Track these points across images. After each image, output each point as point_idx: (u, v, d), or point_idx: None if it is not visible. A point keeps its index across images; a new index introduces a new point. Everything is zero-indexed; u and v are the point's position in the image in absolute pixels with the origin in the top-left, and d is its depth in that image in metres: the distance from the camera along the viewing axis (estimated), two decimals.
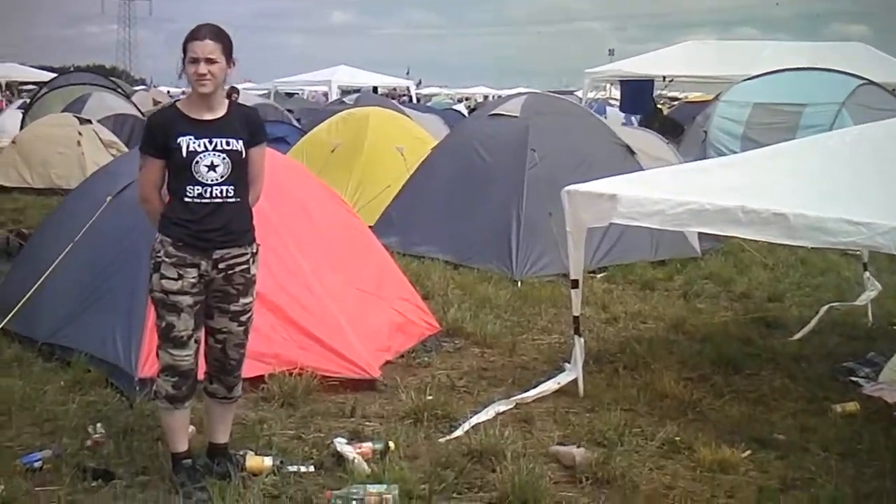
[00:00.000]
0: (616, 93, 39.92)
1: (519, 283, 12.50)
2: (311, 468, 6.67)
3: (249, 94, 34.27)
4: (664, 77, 33.23)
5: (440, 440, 7.29)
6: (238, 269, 6.19)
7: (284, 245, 8.73)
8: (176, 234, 6.04)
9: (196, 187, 6.00)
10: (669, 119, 31.12)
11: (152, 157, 6.11)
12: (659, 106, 35.13)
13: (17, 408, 7.65)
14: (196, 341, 6.18)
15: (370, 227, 12.65)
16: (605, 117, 22.87)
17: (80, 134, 21.22)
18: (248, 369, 7.39)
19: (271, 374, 8.13)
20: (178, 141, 5.97)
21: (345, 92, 46.24)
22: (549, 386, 8.35)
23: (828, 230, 6.76)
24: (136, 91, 38.82)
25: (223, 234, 6.10)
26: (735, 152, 19.03)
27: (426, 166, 15.46)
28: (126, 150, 19.64)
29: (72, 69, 53.31)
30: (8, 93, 52.68)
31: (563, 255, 8.93)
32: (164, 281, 6.05)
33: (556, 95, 19.60)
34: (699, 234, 13.42)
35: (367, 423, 7.61)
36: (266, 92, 48.61)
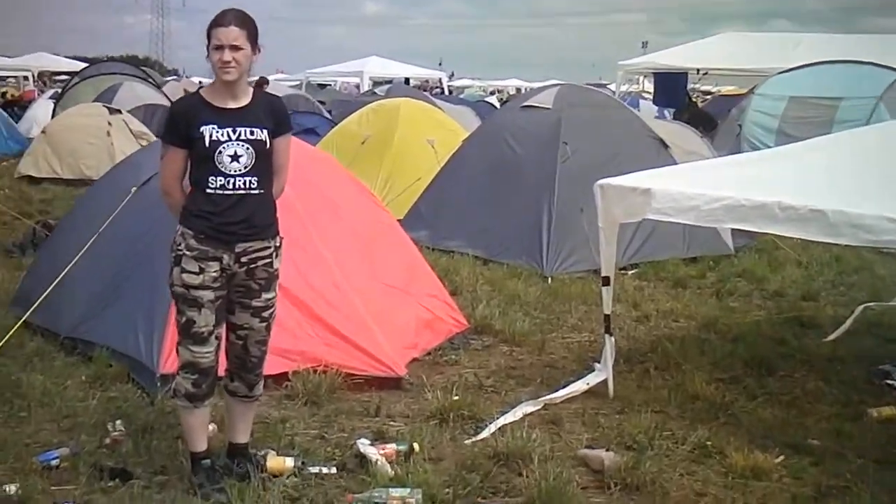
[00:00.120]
0: (649, 86, 39.65)
1: (549, 280, 12.33)
2: (334, 469, 6.52)
3: (281, 85, 34.13)
4: (698, 70, 32.90)
5: (466, 442, 7.14)
6: (261, 263, 6.04)
7: (310, 239, 8.59)
8: (197, 227, 5.89)
9: (219, 178, 5.84)
10: (702, 111, 30.87)
11: (174, 146, 5.96)
12: (693, 99, 34.83)
13: (36, 403, 7.55)
14: (217, 338, 6.03)
15: (399, 220, 12.55)
16: (639, 110, 22.62)
17: (109, 124, 21.18)
18: (272, 366, 7.29)
19: (295, 371, 7.98)
20: (201, 130, 5.81)
21: (376, 83, 46.13)
22: (579, 386, 8.19)
23: (868, 228, 6.54)
24: (168, 81, 38.71)
25: (246, 226, 5.94)
26: (770, 147, 18.84)
27: (456, 159, 15.29)
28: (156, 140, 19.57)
29: (105, 59, 53.10)
30: (40, 83, 52.83)
31: (595, 252, 8.76)
32: (184, 275, 5.90)
33: (590, 87, 19.39)
34: (732, 230, 13.21)
35: (392, 423, 7.46)
36: (298, 83, 48.51)
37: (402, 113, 18.41)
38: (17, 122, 30.39)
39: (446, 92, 50.31)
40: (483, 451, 6.90)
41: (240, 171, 5.85)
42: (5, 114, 30.21)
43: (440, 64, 79.52)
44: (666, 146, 14.80)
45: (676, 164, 12.50)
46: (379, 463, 6.50)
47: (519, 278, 12.25)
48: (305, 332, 8.24)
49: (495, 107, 31.98)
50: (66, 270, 8.88)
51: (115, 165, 11.20)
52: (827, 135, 10.62)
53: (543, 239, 12.95)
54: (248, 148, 5.85)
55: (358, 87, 49.53)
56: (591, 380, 8.27)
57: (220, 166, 5.82)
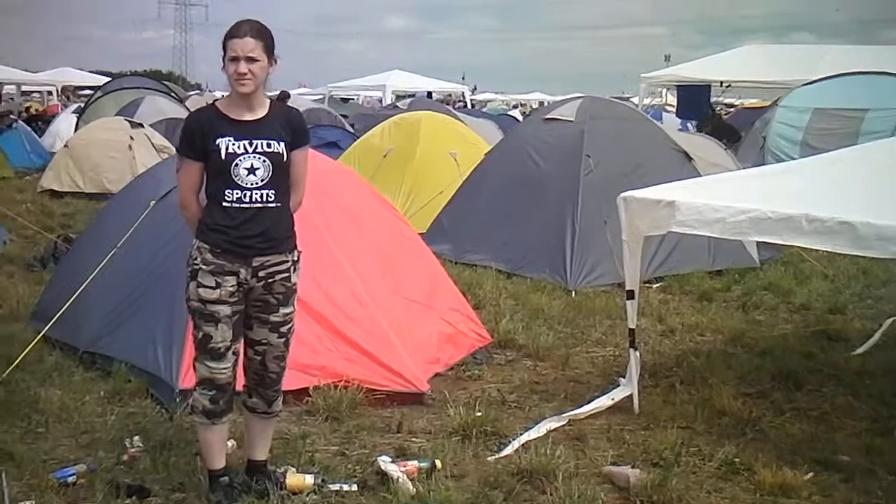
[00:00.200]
0: (672, 99, 39.51)
1: (573, 294, 12.22)
2: (354, 487, 6.41)
3: (303, 99, 34.17)
4: (721, 82, 32.75)
5: (489, 458, 7.02)
6: (279, 277, 5.94)
7: (331, 253, 8.50)
8: (214, 241, 5.80)
9: (235, 191, 5.76)
10: (725, 123, 30.73)
11: (190, 159, 5.88)
12: (718, 110, 34.68)
13: (54, 419, 7.48)
14: (235, 353, 5.93)
15: (422, 234, 12.47)
16: (661, 123, 22.52)
17: (131, 138, 21.17)
18: (293, 381, 7.24)
19: (316, 386, 7.88)
20: (217, 142, 5.73)
21: (399, 97, 46.15)
22: (603, 402, 8.06)
23: None
24: (191, 96, 38.78)
25: (263, 240, 5.85)
26: (794, 159, 18.68)
27: (479, 172, 15.22)
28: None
29: (129, 73, 53.33)
30: (64, 97, 53.06)
31: (619, 265, 8.66)
32: (200, 290, 5.81)
33: (613, 100, 19.29)
34: (758, 242, 13.07)
35: (414, 440, 7.36)
36: (321, 97, 48.56)
37: (424, 126, 18.36)
38: (40, 137, 30.48)
39: (469, 105, 50.31)
40: (506, 468, 6.78)
41: (256, 184, 5.76)
42: (28, 128, 30.34)
43: (463, 78, 79.49)
44: (690, 158, 14.68)
45: (700, 176, 12.37)
46: (400, 480, 6.39)
47: (542, 292, 12.13)
48: (326, 346, 8.14)
49: (518, 120, 31.93)
50: (84, 285, 8.80)
51: (134, 179, 11.13)
52: (853, 146, 10.46)
53: (567, 252, 12.84)
54: (264, 160, 5.77)
55: (380, 100, 49.54)
56: (616, 395, 8.15)
57: (236, 179, 5.74)
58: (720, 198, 7.47)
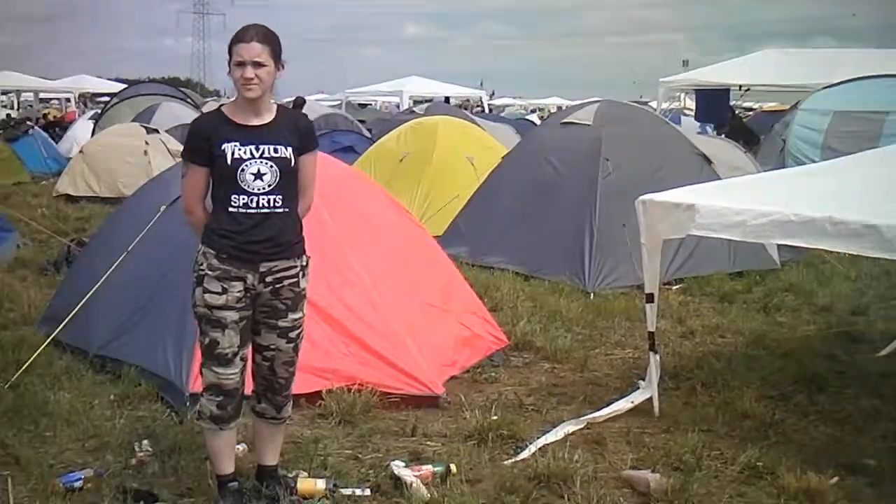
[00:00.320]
0: (691, 103, 39.33)
1: (591, 296, 12.07)
2: (367, 492, 6.28)
3: (319, 105, 34.09)
4: (740, 86, 32.57)
5: (505, 462, 6.87)
6: (286, 282, 5.81)
7: (344, 256, 8.41)
8: (220, 246, 5.68)
9: (241, 197, 5.63)
10: (744, 126, 30.57)
11: (195, 164, 5.76)
12: (737, 113, 34.53)
13: (62, 423, 7.38)
14: (242, 359, 5.80)
15: (438, 237, 12.36)
16: (680, 127, 22.38)
17: (146, 143, 21.17)
18: (306, 384, 7.17)
19: (329, 389, 7.76)
20: (223, 147, 5.61)
21: (416, 102, 46.06)
22: (623, 405, 7.91)
23: None
24: (207, 102, 38.77)
25: (270, 245, 5.73)
26: (815, 162, 18.52)
27: (496, 175, 15.10)
28: None
29: (147, 81, 53.54)
30: (81, 104, 53.23)
31: (638, 266, 8.51)
32: (207, 295, 5.69)
33: (631, 104, 19.15)
34: (779, 244, 12.90)
35: (429, 444, 7.21)
36: (338, 102, 48.55)
37: (441, 130, 18.27)
38: (57, 143, 30.55)
39: (486, 111, 50.20)
40: (523, 473, 6.63)
41: (263, 189, 5.64)
42: (45, 134, 30.40)
43: (481, 84, 79.36)
44: (709, 161, 14.52)
45: (720, 179, 12.23)
46: (414, 485, 6.26)
47: (560, 294, 11.99)
48: (339, 350, 8.03)
49: (535, 124, 31.82)
50: (94, 288, 8.72)
51: (145, 183, 11.04)
52: (874, 149, 10.30)
53: (585, 254, 12.71)
54: (271, 166, 5.64)
55: (398, 106, 49.46)
56: (636, 398, 8.00)
57: (242, 184, 5.62)
58: (741, 200, 7.33)
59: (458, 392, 8.28)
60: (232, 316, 5.69)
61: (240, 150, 5.61)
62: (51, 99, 57.05)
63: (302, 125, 5.93)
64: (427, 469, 6.48)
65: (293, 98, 21.23)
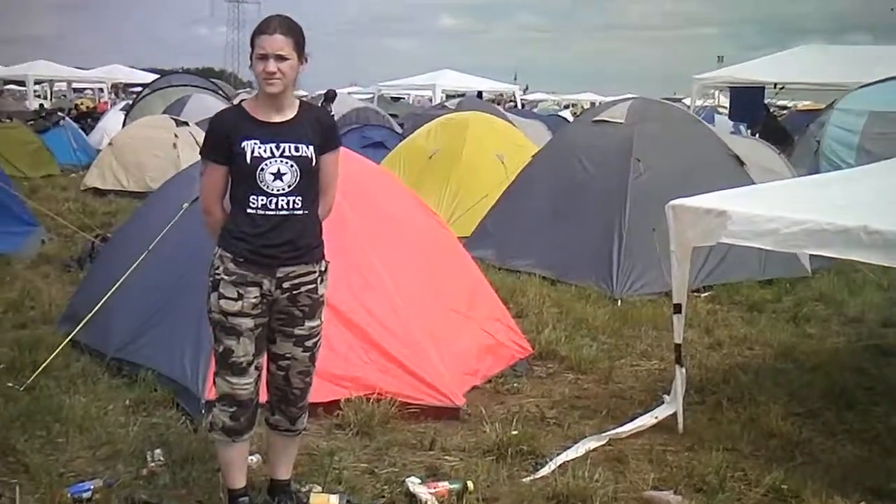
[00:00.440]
0: (725, 100, 39.01)
1: (619, 302, 11.90)
2: None
3: (351, 98, 33.94)
4: (775, 84, 32.22)
5: (524, 479, 6.69)
6: (304, 288, 5.64)
7: (367, 259, 8.25)
8: (236, 249, 5.51)
9: (260, 197, 5.46)
10: (778, 125, 30.26)
11: (214, 162, 5.59)
12: (772, 111, 34.19)
13: (76, 428, 7.23)
14: (257, 368, 5.64)
15: (466, 237, 12.20)
16: (714, 125, 22.12)
17: (175, 136, 21.03)
18: (324, 393, 7.05)
19: (347, 399, 7.60)
20: (243, 145, 5.44)
21: (449, 96, 45.88)
22: (646, 420, 7.72)
23: None
24: (239, 94, 38.72)
25: (289, 249, 5.54)
26: (851, 164, 18.29)
27: (525, 175, 14.92)
28: None
29: (180, 71, 53.54)
30: (112, 94, 53.34)
31: (666, 272, 8.29)
32: (222, 301, 5.53)
33: (665, 102, 18.93)
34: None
35: (447, 458, 7.03)
36: (370, 96, 48.44)
37: (471, 127, 18.14)
38: (89, 133, 30.51)
39: (519, 105, 50.00)
40: (542, 491, 6.46)
41: (283, 189, 5.46)
42: (75, 125, 30.38)
43: (515, 78, 79.13)
44: (742, 163, 14.29)
45: (753, 182, 12.01)
46: (429, 503, 6.09)
47: (587, 300, 11.83)
48: (359, 357, 7.86)
49: (568, 121, 31.62)
50: (113, 289, 8.59)
51: (169, 178, 10.89)
52: None
53: (613, 259, 12.53)
54: (292, 165, 5.46)
55: (430, 100, 49.30)
56: (660, 413, 7.81)
57: (261, 184, 5.44)
58: (773, 207, 7.11)
59: (478, 403, 8.13)
60: (247, 323, 5.53)
61: (259, 148, 5.44)
62: (84, 89, 57.19)
63: (324, 122, 5.76)
64: (443, 486, 6.32)
65: (325, 91, 21.21)
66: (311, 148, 5.53)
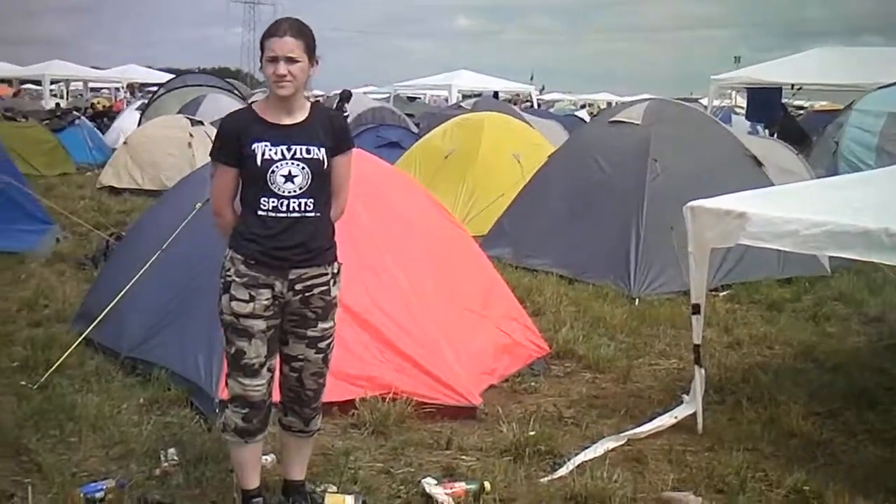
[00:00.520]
0: (742, 101, 38.87)
1: (636, 301, 11.82)
2: None
3: (366, 98, 33.92)
4: (792, 85, 32.08)
5: (542, 480, 6.62)
6: (317, 290, 5.57)
7: (382, 259, 8.19)
8: (247, 251, 5.45)
9: (271, 199, 5.40)
10: (795, 125, 30.12)
11: (224, 164, 5.53)
12: (789, 111, 34.04)
13: (89, 428, 7.18)
14: (269, 370, 5.59)
15: (482, 236, 12.13)
16: (731, 125, 22.02)
17: (191, 136, 21.01)
18: (338, 392, 6.99)
19: (363, 398, 7.53)
20: (253, 147, 5.38)
21: (465, 96, 45.84)
22: (666, 420, 7.63)
23: None
24: (255, 93, 38.76)
25: (300, 251, 5.49)
26: (870, 165, 18.16)
27: (542, 175, 14.87)
28: None
29: (196, 71, 53.60)
30: (128, 94, 53.43)
31: (685, 272, 8.20)
32: (233, 303, 5.47)
33: (682, 103, 18.84)
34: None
35: (464, 458, 6.96)
36: (386, 95, 48.43)
37: (487, 127, 18.10)
38: (104, 133, 30.56)
39: (535, 106, 49.94)
40: (560, 492, 6.39)
41: (294, 192, 5.40)
42: (91, 124, 30.41)
43: (531, 78, 79.01)
44: (760, 164, 14.20)
45: (772, 183, 11.91)
46: None
47: (605, 299, 11.76)
48: (374, 356, 7.80)
49: (584, 121, 31.53)
50: (126, 288, 8.55)
51: (184, 178, 10.84)
52: None
53: (631, 258, 12.46)
54: (303, 168, 5.40)
55: (446, 100, 49.24)
56: (679, 413, 7.72)
57: (272, 187, 5.38)
58: (792, 209, 7.02)
59: (495, 403, 8.04)
60: (259, 325, 5.47)
61: (270, 150, 5.39)
62: (101, 88, 57.30)
63: (336, 124, 5.69)
64: (460, 487, 6.24)
65: (340, 91, 21.15)
66: (323, 150, 5.48)
